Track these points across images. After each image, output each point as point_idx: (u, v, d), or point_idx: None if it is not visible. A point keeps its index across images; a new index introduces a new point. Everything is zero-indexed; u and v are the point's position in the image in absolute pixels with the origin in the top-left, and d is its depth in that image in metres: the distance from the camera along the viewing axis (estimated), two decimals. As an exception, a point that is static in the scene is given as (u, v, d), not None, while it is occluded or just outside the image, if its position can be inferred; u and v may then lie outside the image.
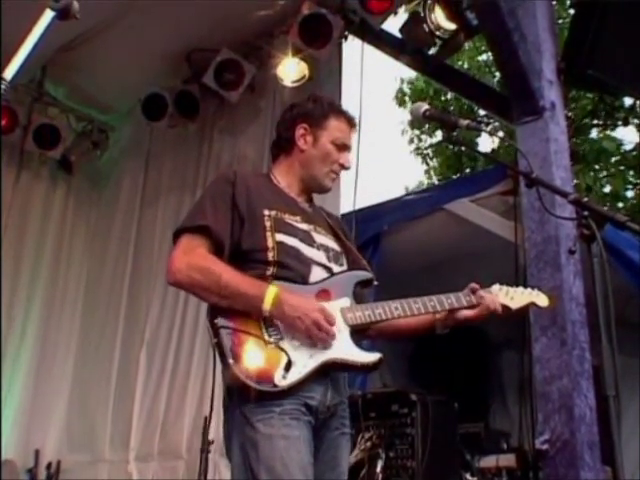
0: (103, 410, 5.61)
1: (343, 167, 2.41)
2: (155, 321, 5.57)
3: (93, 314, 6.08)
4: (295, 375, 2.00)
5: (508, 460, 5.05)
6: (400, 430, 4.27)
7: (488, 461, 5.15)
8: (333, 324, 2.08)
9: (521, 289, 2.40)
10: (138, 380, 5.45)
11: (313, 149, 2.37)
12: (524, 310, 2.41)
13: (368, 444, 4.22)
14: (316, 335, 2.05)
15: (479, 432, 5.66)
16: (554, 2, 6.94)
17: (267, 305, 2.03)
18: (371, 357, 2.13)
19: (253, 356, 2.00)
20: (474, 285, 2.31)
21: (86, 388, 5.85)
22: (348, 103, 4.76)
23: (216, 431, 3.82)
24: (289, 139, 2.40)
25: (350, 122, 2.43)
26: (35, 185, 6.16)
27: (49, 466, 5.57)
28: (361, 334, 2.25)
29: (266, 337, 2.04)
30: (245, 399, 2.00)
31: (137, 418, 5.38)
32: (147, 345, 5.53)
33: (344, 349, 2.11)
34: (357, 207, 4.70)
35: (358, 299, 2.24)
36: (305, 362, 2.03)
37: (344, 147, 2.40)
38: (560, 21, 9.77)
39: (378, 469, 4.13)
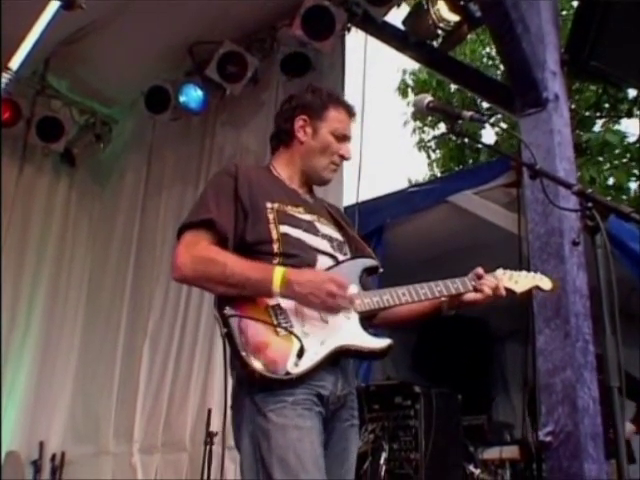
0: (107, 402, 5.62)
1: (343, 158, 2.38)
2: (158, 313, 5.58)
3: (96, 306, 6.09)
4: (307, 362, 1.97)
5: (511, 452, 5.08)
6: (403, 422, 4.29)
7: (491, 453, 5.17)
8: (347, 288, 2.06)
9: (525, 273, 2.41)
10: (141, 372, 5.46)
11: (313, 141, 2.34)
12: (528, 294, 2.42)
13: (371, 436, 4.24)
14: (335, 305, 2.04)
15: (482, 424, 5.69)
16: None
17: (276, 287, 2.01)
18: (382, 343, 2.12)
19: (264, 343, 1.96)
20: (479, 269, 2.31)
21: (90, 380, 5.86)
22: (351, 95, 4.77)
23: (219, 423, 3.84)
24: (288, 131, 2.38)
25: (349, 112, 2.40)
26: (38, 178, 6.17)
27: (53, 458, 5.61)
28: (368, 322, 2.22)
29: (276, 324, 2.01)
30: (256, 388, 1.98)
31: (141, 410, 5.39)
32: (150, 337, 5.54)
33: (355, 335, 2.10)
34: (360, 200, 4.70)
35: (363, 287, 2.22)
36: (317, 349, 2.00)
37: (344, 138, 2.37)
38: (564, 13, 9.74)
39: (381, 461, 4.15)
